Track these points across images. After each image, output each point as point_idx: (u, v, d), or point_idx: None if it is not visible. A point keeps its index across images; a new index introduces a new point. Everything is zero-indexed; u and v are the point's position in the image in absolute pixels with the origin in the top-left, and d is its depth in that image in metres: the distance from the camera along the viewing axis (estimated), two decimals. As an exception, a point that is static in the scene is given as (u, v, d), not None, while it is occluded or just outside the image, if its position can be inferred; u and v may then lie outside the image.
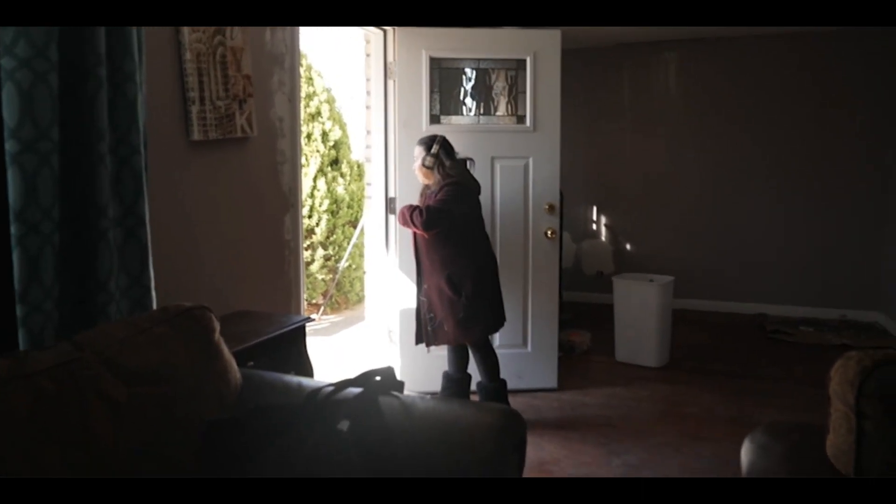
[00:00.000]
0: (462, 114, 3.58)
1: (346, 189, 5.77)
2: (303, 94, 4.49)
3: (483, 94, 3.59)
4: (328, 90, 5.81)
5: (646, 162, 5.66)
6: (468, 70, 3.56)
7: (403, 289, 3.44)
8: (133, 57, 1.69)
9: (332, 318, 5.68)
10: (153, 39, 1.95)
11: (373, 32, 3.50)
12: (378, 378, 1.36)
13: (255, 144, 2.44)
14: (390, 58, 3.51)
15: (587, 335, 4.48)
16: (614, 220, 5.84)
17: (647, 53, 5.56)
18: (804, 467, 1.24)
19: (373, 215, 3.66)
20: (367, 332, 3.90)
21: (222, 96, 2.22)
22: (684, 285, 4.70)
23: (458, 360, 3.16)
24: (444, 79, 3.54)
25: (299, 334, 2.23)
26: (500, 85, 3.59)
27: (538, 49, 3.54)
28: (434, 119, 3.52)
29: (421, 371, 3.42)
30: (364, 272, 5.73)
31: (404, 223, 2.92)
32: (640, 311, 4.11)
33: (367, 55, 3.62)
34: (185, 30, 2.07)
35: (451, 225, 2.86)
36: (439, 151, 2.92)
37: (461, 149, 3.11)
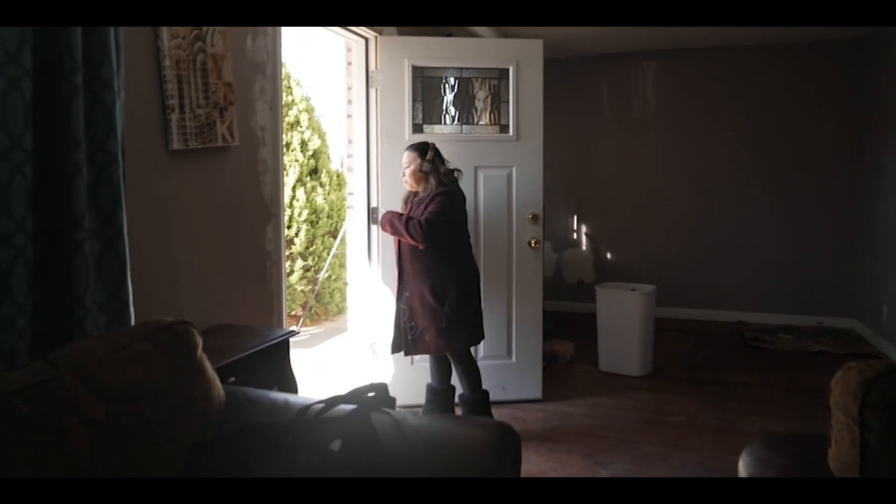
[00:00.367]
0: (445, 123, 3.56)
1: (325, 199, 5.70)
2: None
3: (466, 103, 3.57)
4: (307, 99, 5.75)
5: (626, 172, 5.70)
6: (451, 79, 3.54)
7: (386, 300, 3.39)
8: (111, 62, 1.63)
9: (312, 329, 5.59)
10: (131, 45, 1.88)
11: (354, 41, 3.47)
12: (371, 394, 1.32)
13: (237, 154, 2.39)
14: (372, 66, 3.47)
15: (570, 345, 4.47)
16: (595, 230, 5.86)
17: (627, 64, 5.61)
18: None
19: (355, 225, 3.61)
20: (349, 344, 3.83)
21: (203, 104, 2.16)
22: (664, 294, 4.72)
23: (441, 373, 3.12)
24: (426, 88, 3.51)
25: (283, 348, 2.17)
26: (482, 94, 3.58)
27: (521, 58, 3.54)
28: (417, 128, 3.48)
29: (405, 384, 3.37)
30: (344, 283, 5.67)
31: (394, 232, 2.86)
32: (623, 320, 4.11)
33: (349, 63, 3.58)
34: (165, 35, 2.02)
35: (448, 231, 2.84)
36: (434, 158, 2.89)
37: (445, 158, 3.08)
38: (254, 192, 2.51)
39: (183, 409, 1.36)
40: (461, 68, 3.54)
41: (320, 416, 1.27)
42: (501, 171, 3.56)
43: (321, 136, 5.81)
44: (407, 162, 2.94)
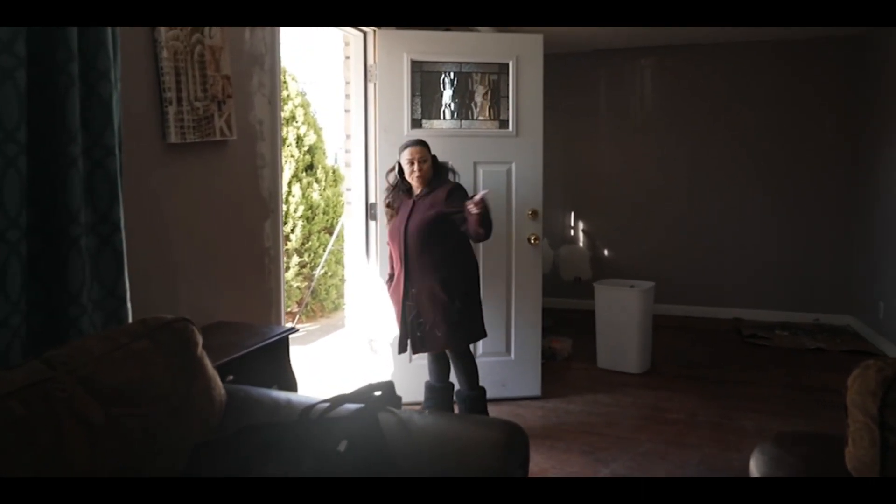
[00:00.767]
0: (444, 118, 3.52)
1: (321, 195, 5.66)
2: (278, 98, 4.37)
3: (465, 98, 3.54)
4: (303, 94, 5.70)
5: (623, 168, 5.68)
6: (450, 74, 3.50)
7: (385, 297, 3.35)
8: (108, 53, 1.59)
9: (308, 326, 5.55)
10: (128, 36, 1.84)
11: (352, 35, 3.42)
12: (378, 393, 1.28)
13: (235, 148, 2.34)
14: (370, 61, 3.43)
15: (568, 342, 4.45)
16: (592, 226, 5.84)
17: (625, 60, 5.59)
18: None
19: (353, 221, 3.57)
20: (346, 340, 3.80)
21: (200, 97, 2.12)
22: (660, 291, 4.71)
23: (440, 370, 3.09)
24: (425, 82, 3.47)
25: (282, 346, 2.14)
26: (482, 89, 3.54)
27: (520, 53, 3.50)
28: (415, 123, 3.45)
29: (403, 381, 3.32)
30: (340, 279, 5.63)
31: (478, 237, 2.72)
32: (622, 317, 4.10)
33: (347, 58, 3.53)
34: (162, 27, 1.97)
35: (453, 225, 2.80)
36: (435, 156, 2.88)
37: (443, 154, 3.05)
38: (252, 187, 2.47)
39: (183, 409, 1.33)
40: (460, 63, 3.50)
41: (325, 416, 1.24)
42: (501, 167, 3.53)
43: (317, 132, 5.76)
44: (422, 157, 2.84)
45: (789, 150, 5.28)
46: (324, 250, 5.57)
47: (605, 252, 5.80)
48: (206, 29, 2.14)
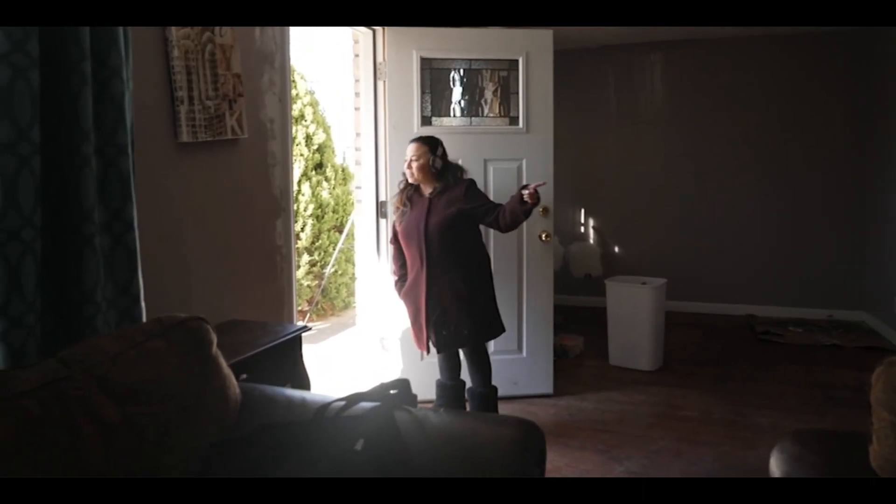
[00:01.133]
0: (453, 115, 3.51)
1: (330, 193, 5.66)
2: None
3: (475, 94, 3.52)
4: (311, 93, 5.70)
5: (633, 164, 5.65)
6: (460, 70, 3.49)
7: (395, 297, 3.34)
8: (119, 52, 1.59)
9: (319, 324, 5.55)
10: (139, 35, 1.84)
11: (362, 32, 3.41)
12: (394, 391, 1.27)
13: (246, 146, 2.34)
14: (380, 58, 3.42)
15: (579, 339, 4.43)
16: (602, 223, 5.81)
17: (634, 55, 5.55)
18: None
19: (363, 219, 3.56)
20: (357, 339, 3.79)
21: (212, 96, 2.12)
22: (672, 287, 4.67)
23: (452, 368, 3.08)
24: (435, 80, 3.46)
25: (295, 344, 2.13)
26: (491, 86, 3.53)
27: (530, 49, 3.48)
28: (425, 120, 3.43)
29: (414, 380, 3.31)
30: (350, 278, 5.63)
31: (514, 225, 2.73)
32: (634, 314, 4.07)
33: (356, 55, 3.53)
34: (173, 26, 1.97)
35: (473, 222, 2.79)
36: (443, 154, 2.85)
37: (453, 151, 3.03)
38: (263, 185, 2.47)
39: (198, 407, 1.32)
40: (470, 59, 3.49)
41: (341, 415, 1.23)
42: (511, 164, 3.51)
43: (326, 131, 5.76)
44: (416, 155, 2.85)
45: (799, 144, 5.23)
46: (334, 249, 5.58)
47: (616, 249, 5.77)
48: (217, 28, 2.14)
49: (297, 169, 5.42)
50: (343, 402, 1.27)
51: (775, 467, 1.31)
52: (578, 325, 4.90)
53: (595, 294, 5.29)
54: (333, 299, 5.85)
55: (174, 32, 1.97)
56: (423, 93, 3.42)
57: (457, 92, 3.50)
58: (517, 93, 3.50)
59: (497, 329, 2.93)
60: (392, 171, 3.38)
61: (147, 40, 1.91)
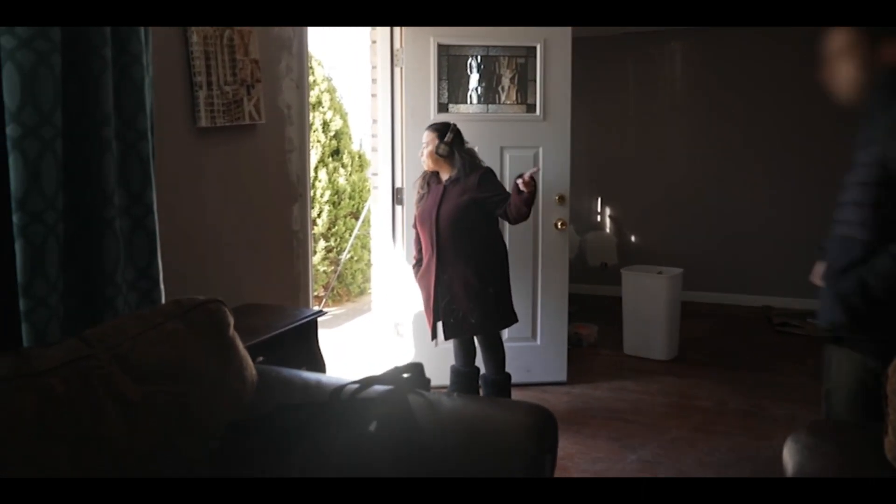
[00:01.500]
0: (470, 102, 3.50)
1: (347, 180, 5.68)
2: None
3: (492, 82, 3.51)
4: (329, 79, 5.71)
5: (651, 153, 5.60)
6: (477, 57, 3.47)
7: (411, 281, 3.36)
8: (140, 38, 1.61)
9: (334, 310, 5.60)
10: (159, 20, 1.85)
11: (379, 18, 3.41)
12: (407, 375, 1.29)
13: (263, 132, 2.36)
14: (397, 45, 3.42)
15: (594, 328, 4.42)
16: (619, 212, 5.77)
17: (653, 42, 5.48)
18: (863, 470, 1.18)
19: (379, 206, 3.58)
20: (372, 324, 3.82)
21: (230, 81, 2.13)
22: (688, 277, 4.64)
23: (467, 355, 3.09)
24: (452, 66, 3.45)
25: (311, 328, 2.16)
26: (508, 73, 3.51)
27: (548, 36, 3.45)
28: (442, 108, 3.43)
29: (428, 365, 3.33)
30: (366, 264, 5.66)
31: (520, 217, 2.68)
32: (649, 303, 4.05)
33: (373, 42, 3.52)
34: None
35: (486, 211, 2.78)
36: (454, 139, 2.83)
37: (470, 138, 3.03)
38: (280, 170, 2.49)
39: (216, 388, 1.35)
40: (487, 46, 3.47)
41: (356, 397, 1.25)
42: (528, 152, 3.50)
43: (343, 117, 5.77)
44: (426, 142, 2.88)
45: (822, 134, 5.14)
46: (350, 235, 5.61)
47: (633, 238, 5.73)
48: (235, 13, 2.14)
49: (314, 155, 5.45)
50: (357, 385, 1.29)
51: (788, 457, 1.31)
52: (594, 314, 4.88)
53: (611, 283, 5.27)
54: (349, 285, 5.89)
55: (193, 18, 1.99)
56: (439, 80, 3.41)
57: (474, 79, 3.49)
58: (534, 80, 3.48)
59: (507, 319, 2.92)
60: (408, 158, 3.39)
61: (167, 26, 1.92)
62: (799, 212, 5.24)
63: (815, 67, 2.00)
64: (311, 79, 5.45)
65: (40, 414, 1.09)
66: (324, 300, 5.52)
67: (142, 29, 1.61)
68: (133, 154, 1.63)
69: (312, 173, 5.42)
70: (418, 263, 3.00)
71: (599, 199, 5.81)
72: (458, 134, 2.86)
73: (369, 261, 4.99)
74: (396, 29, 3.40)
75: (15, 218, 1.37)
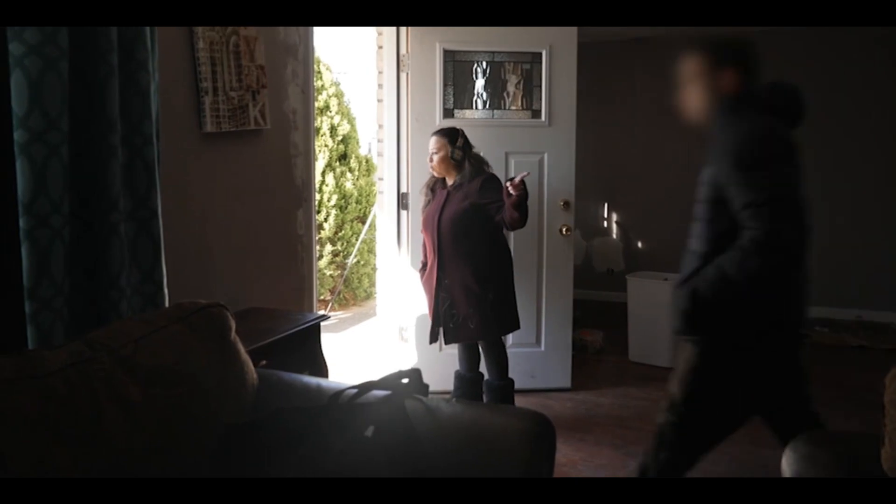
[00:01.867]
0: (476, 108, 3.51)
1: (354, 184, 5.70)
2: (312, 88, 4.41)
3: (497, 87, 3.52)
4: (336, 84, 5.74)
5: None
6: (482, 63, 3.49)
7: (416, 286, 3.37)
8: (146, 44, 1.63)
9: (340, 314, 5.62)
10: (164, 28, 1.88)
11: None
12: (405, 380, 1.30)
13: (269, 137, 2.38)
14: (403, 50, 3.44)
15: (599, 334, 4.41)
16: (625, 218, 5.76)
17: (661, 48, 5.47)
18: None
19: (385, 211, 3.59)
20: (378, 329, 3.83)
21: (235, 87, 2.16)
22: (698, 284, 4.62)
23: (470, 360, 3.10)
24: (457, 72, 3.46)
25: (314, 332, 2.17)
26: (514, 78, 3.52)
27: (554, 42, 3.46)
28: (447, 113, 3.44)
29: (433, 370, 3.34)
30: (373, 268, 5.68)
31: (513, 222, 2.67)
32: (655, 310, 4.04)
33: (380, 47, 3.55)
34: (199, 18, 2.01)
35: (487, 217, 2.78)
36: (464, 144, 2.85)
37: (475, 143, 3.04)
38: (285, 175, 2.50)
39: (217, 391, 1.36)
40: (493, 52, 3.48)
41: (354, 402, 1.26)
42: (533, 157, 3.51)
43: (350, 122, 5.80)
44: (436, 148, 2.88)
45: (830, 139, 5.12)
46: (357, 239, 5.63)
47: (639, 244, 5.72)
48: (242, 19, 2.17)
49: (322, 159, 5.47)
50: (356, 390, 1.30)
51: (786, 466, 1.30)
52: (599, 320, 4.87)
53: (617, 289, 5.26)
54: (355, 289, 5.90)
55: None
56: (445, 85, 3.43)
57: (479, 84, 3.50)
58: (540, 86, 3.49)
59: (508, 325, 2.92)
60: (414, 163, 3.40)
61: (173, 31, 1.95)
62: (807, 219, 5.20)
63: (829, 70, 2.01)
64: (318, 83, 5.49)
65: (43, 415, 1.11)
66: (330, 304, 5.54)
67: (148, 35, 1.63)
68: (139, 159, 1.65)
69: (320, 177, 5.45)
70: (424, 268, 3.02)
71: (606, 205, 5.80)
72: (466, 139, 2.89)
73: (375, 265, 5.00)
74: (402, 34, 3.43)
75: (21, 221, 1.39)
